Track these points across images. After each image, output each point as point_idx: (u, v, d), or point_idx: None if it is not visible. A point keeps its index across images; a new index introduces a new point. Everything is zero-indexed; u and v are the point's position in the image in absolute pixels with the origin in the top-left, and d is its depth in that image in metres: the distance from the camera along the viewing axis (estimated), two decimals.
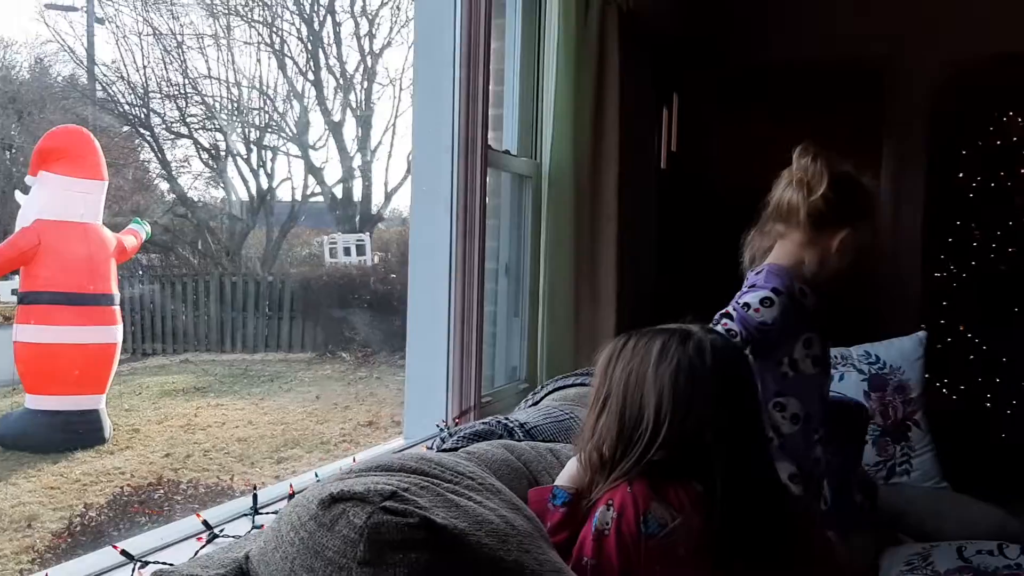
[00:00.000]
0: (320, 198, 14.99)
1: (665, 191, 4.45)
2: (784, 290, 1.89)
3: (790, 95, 5.24)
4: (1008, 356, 5.05)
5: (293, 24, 14.79)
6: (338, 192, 14.94)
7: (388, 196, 15.27)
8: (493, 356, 3.23)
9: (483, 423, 2.00)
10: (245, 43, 14.26)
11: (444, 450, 1.78)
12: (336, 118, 14.58)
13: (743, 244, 2.10)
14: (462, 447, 1.75)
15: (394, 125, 15.23)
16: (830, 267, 1.98)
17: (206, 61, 14.03)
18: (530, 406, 2.32)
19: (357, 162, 15.14)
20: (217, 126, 14.17)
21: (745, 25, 5.23)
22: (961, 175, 5.43)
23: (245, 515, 1.74)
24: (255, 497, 1.75)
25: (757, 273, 1.98)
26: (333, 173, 15.67)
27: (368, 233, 14.42)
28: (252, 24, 14.35)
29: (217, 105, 14.10)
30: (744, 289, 1.97)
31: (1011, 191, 5.13)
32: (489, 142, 2.88)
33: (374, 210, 15.28)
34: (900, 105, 5.06)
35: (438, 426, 2.38)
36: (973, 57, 4.94)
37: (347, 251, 13.99)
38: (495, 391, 3.01)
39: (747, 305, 1.88)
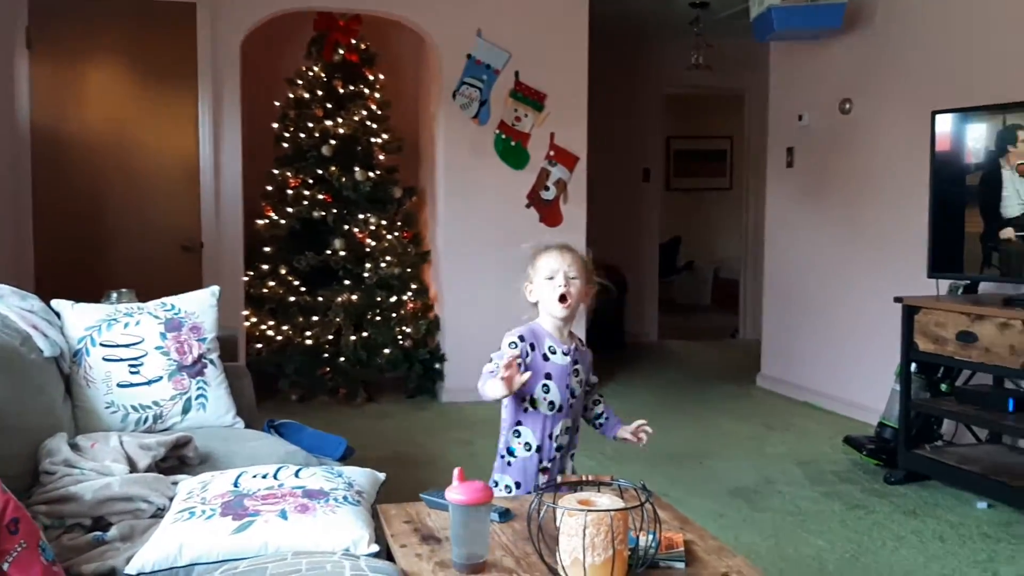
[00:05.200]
0: None
1: None
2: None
3: (106, 29, 4.94)
4: (322, 297, 5.49)
5: None
6: None
7: None
8: None
9: None
10: None
11: None
12: None
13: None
14: None
15: None
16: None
17: None
18: None
19: None
20: None
21: None
22: (275, 125, 5.71)
23: None
24: None
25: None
26: None
27: None
28: None
29: None
30: None
31: (317, 143, 5.54)
32: None
33: None
34: (215, 46, 5.09)
35: None
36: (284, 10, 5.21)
37: None
38: None
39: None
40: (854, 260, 5.22)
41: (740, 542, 3.29)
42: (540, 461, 2.26)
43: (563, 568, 1.60)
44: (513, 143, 5.57)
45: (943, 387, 4.04)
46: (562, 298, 2.24)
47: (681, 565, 1.73)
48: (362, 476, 2.11)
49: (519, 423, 2.26)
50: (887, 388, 4.31)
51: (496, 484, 2.28)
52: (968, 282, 4.08)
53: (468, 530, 1.62)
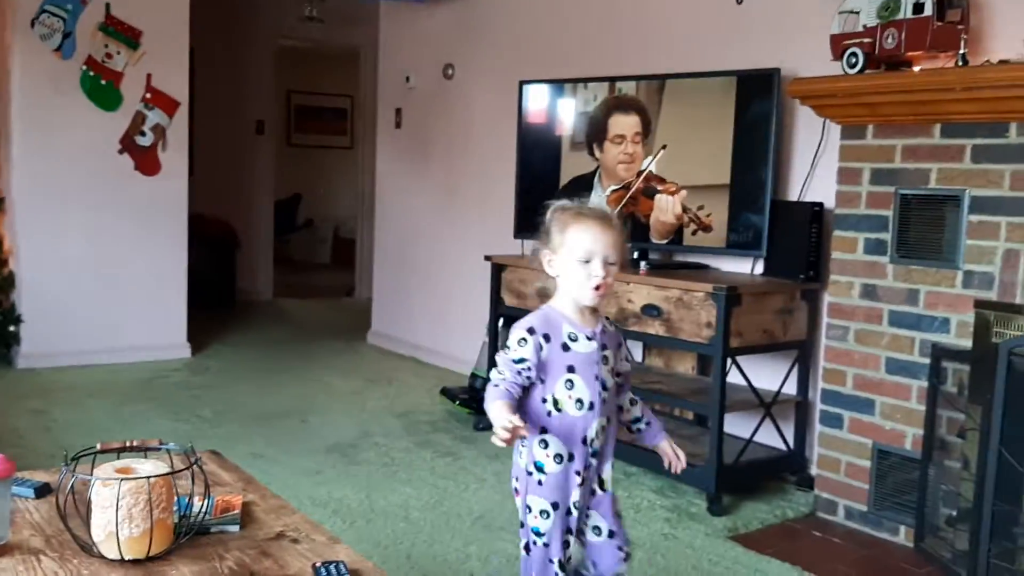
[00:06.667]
0: None
1: None
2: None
3: None
4: None
5: None
6: None
7: None
8: None
9: None
10: None
11: None
12: None
13: None
14: None
15: None
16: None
17: None
18: None
19: None
20: None
21: None
22: None
23: None
24: None
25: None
26: None
27: None
28: None
29: None
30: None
31: None
32: None
33: None
34: None
35: None
36: None
37: None
38: None
39: None
40: (453, 221, 5.48)
41: (333, 497, 3.33)
42: (575, 472, 1.89)
43: (96, 544, 1.48)
44: (103, 82, 5.06)
45: None
46: (597, 287, 1.87)
47: (235, 528, 1.68)
48: None
49: (544, 430, 1.88)
50: (481, 341, 4.60)
51: (529, 510, 1.89)
52: None
53: None
